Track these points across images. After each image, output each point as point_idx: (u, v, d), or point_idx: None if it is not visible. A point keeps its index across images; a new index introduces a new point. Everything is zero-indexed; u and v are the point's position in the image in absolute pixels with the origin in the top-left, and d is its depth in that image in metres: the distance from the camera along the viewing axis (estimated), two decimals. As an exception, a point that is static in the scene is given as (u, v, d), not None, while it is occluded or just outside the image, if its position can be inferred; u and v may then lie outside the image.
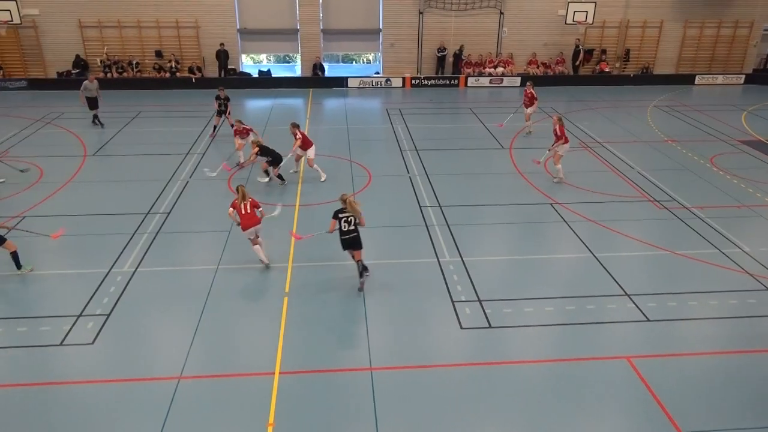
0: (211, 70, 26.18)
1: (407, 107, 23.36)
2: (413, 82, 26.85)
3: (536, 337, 9.15)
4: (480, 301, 9.98)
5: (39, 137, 18.48)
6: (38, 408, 7.66)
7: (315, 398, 7.82)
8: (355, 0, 26.52)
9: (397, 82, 26.74)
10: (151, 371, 8.29)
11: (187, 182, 14.91)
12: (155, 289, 10.34)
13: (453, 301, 9.96)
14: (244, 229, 10.56)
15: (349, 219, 9.92)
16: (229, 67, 26.16)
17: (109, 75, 25.17)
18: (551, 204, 13.85)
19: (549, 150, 15.32)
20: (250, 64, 29.33)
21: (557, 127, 14.98)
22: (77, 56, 25.38)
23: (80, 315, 9.49)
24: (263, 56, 31.02)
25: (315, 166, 15.05)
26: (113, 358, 8.60)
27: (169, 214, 13.16)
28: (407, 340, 9.04)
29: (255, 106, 23.54)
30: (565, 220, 13.04)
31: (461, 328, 9.29)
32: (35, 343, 8.83)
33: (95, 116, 19.75)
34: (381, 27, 26.95)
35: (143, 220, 12.78)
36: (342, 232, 9.95)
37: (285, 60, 31.36)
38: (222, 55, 25.71)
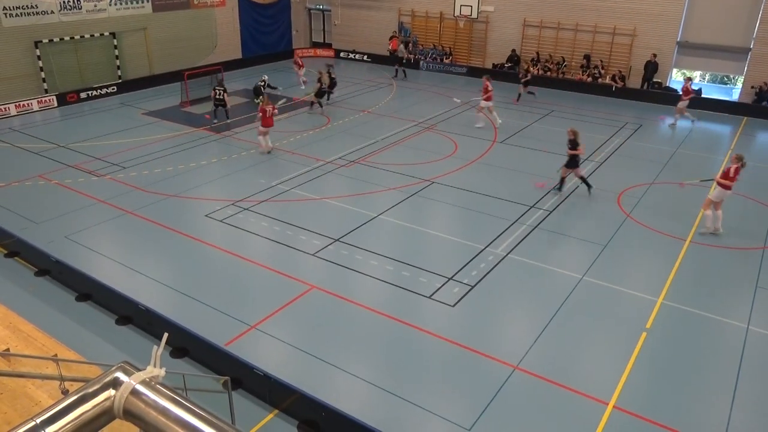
0: (635, 81, 25.20)
1: None
2: None
3: None
4: None
5: (463, 117, 20.95)
6: (398, 340, 8.98)
7: (645, 450, 7.08)
8: None
9: None
10: (495, 351, 8.76)
11: (578, 186, 14.89)
12: (518, 277, 10.79)
13: None
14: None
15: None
16: (654, 80, 24.75)
17: (536, 70, 26.72)
18: None
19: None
20: (679, 80, 27.13)
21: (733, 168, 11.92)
22: (513, 51, 27.68)
23: (450, 278, 10.62)
24: (697, 74, 28.28)
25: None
26: (466, 325, 9.41)
27: (551, 212, 13.43)
28: (783, 439, 7.31)
29: (670, 124, 21.74)
30: None
31: None
32: (411, 288, 10.29)
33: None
34: None
35: (526, 212, 13.37)
36: None
37: (722, 81, 27.95)
38: (650, 67, 24.42)
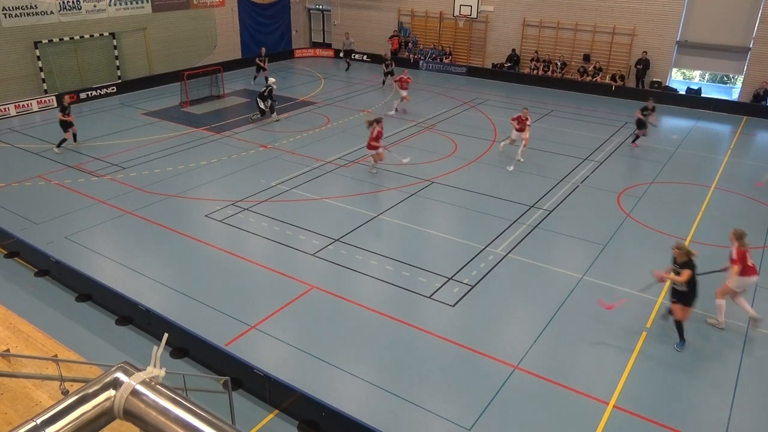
0: (634, 81, 25.20)
1: None
2: None
3: None
4: None
5: (462, 117, 20.98)
6: (398, 340, 8.99)
7: (645, 450, 7.08)
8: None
9: None
10: (494, 351, 8.77)
11: (577, 187, 14.90)
12: (518, 277, 10.80)
13: None
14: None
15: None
16: (654, 79, 24.76)
17: (535, 72, 26.72)
18: None
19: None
20: (679, 79, 27.15)
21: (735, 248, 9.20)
22: (513, 51, 27.67)
23: (450, 278, 10.62)
24: (696, 73, 28.28)
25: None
26: (466, 325, 9.41)
27: (551, 212, 13.43)
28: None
29: (672, 124, 21.76)
30: None
31: None
32: (411, 288, 10.29)
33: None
34: None
35: (526, 212, 13.37)
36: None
37: (722, 80, 27.97)
38: (642, 65, 24.40)
